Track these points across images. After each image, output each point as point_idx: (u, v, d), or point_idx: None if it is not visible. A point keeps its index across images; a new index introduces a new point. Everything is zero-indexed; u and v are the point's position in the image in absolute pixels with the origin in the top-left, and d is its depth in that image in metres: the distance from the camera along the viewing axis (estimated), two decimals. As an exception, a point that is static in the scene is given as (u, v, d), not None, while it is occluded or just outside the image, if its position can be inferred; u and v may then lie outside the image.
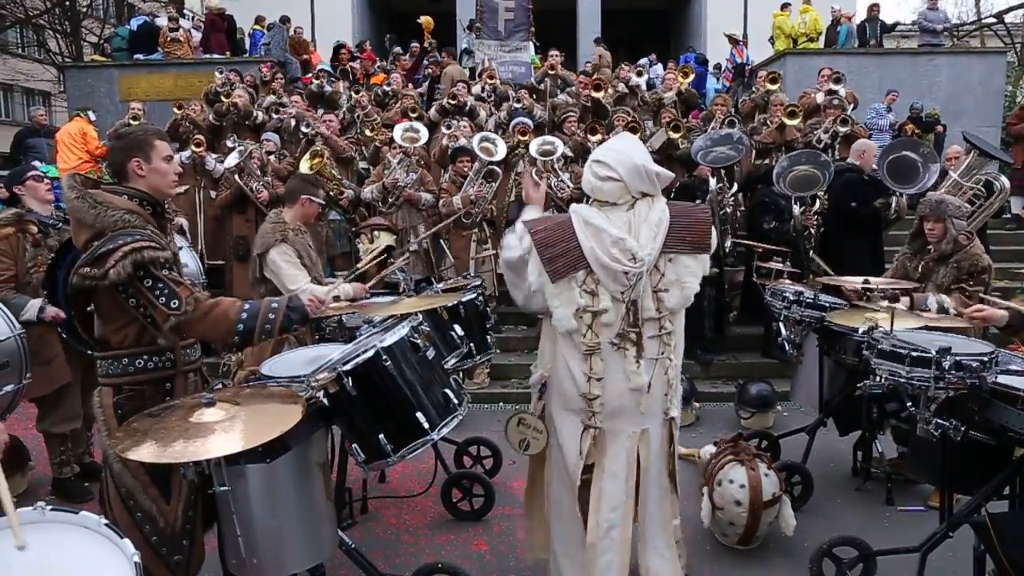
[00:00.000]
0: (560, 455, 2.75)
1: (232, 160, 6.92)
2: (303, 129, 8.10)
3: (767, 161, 7.72)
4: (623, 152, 2.66)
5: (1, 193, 8.22)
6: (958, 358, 2.75)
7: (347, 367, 2.45)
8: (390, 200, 6.92)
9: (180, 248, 2.68)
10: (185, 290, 2.32)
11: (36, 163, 7.21)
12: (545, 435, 2.79)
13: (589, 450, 2.67)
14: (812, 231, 6.34)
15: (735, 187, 6.80)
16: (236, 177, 6.86)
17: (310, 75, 11.12)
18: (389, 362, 2.49)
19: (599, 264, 2.56)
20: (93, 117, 9.88)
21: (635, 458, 2.69)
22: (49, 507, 1.55)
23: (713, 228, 2.71)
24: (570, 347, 2.64)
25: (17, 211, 4.06)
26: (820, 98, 8.55)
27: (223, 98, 8.77)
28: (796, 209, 6.24)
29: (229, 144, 7.89)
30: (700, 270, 2.64)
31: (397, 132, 7.18)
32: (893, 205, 5.98)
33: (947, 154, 6.55)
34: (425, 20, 11.96)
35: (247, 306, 2.40)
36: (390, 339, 2.55)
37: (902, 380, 2.87)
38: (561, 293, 2.60)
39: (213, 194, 7.58)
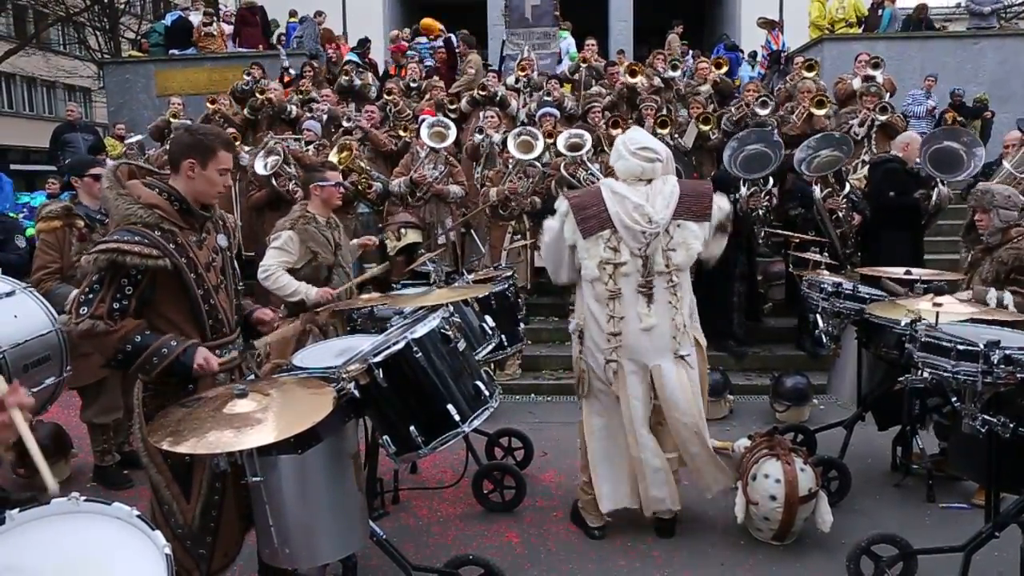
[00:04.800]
0: (593, 387, 3.47)
1: (261, 169, 6.94)
2: (344, 123, 8.13)
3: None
4: (658, 142, 3.45)
5: (52, 188, 8.47)
6: (1008, 352, 2.64)
7: (378, 359, 2.45)
8: (418, 194, 6.91)
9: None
10: (100, 309, 2.30)
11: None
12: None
13: (613, 380, 3.36)
14: (840, 215, 6.15)
15: (771, 183, 6.61)
16: (273, 181, 6.91)
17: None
18: (420, 354, 2.49)
19: (622, 225, 3.25)
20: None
21: (651, 388, 3.36)
22: (83, 498, 1.57)
23: (715, 199, 3.36)
24: (595, 295, 3.34)
25: (66, 204, 4.14)
26: (856, 84, 8.30)
27: (257, 93, 8.86)
28: (817, 192, 6.08)
29: (266, 141, 7.98)
30: (703, 235, 3.31)
31: (424, 128, 7.15)
32: (934, 197, 5.79)
33: (1004, 141, 6.27)
34: (424, 23, 11.95)
35: (138, 339, 2.33)
36: (421, 331, 2.54)
37: (947, 374, 2.77)
38: (590, 247, 3.30)
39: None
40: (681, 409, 3.34)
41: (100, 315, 2.30)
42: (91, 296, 2.31)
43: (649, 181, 3.31)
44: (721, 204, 3.41)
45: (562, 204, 3.39)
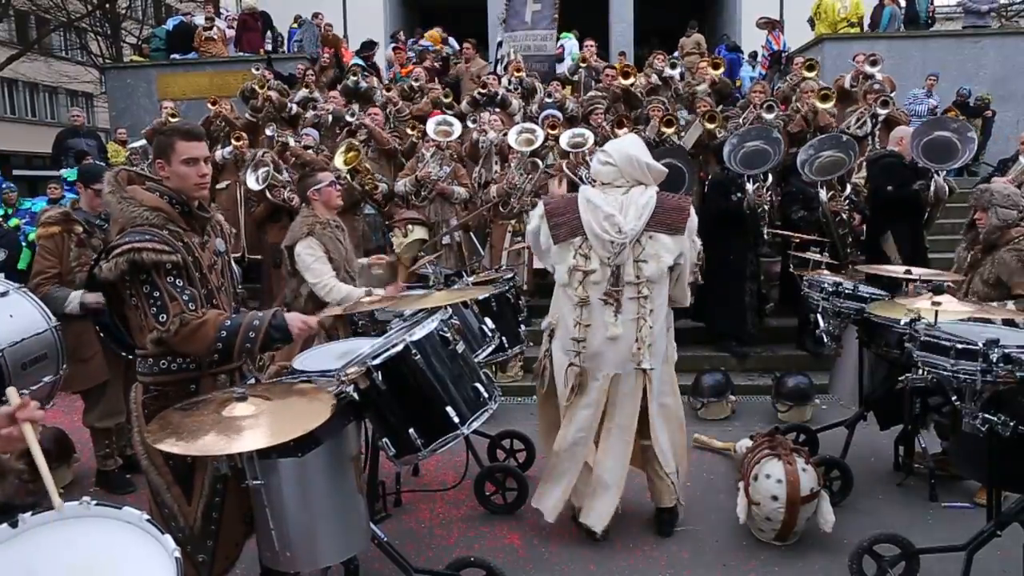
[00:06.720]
0: (556, 384, 3.49)
1: (254, 184, 6.95)
2: (348, 118, 8.15)
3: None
4: (621, 144, 3.46)
5: (53, 193, 8.50)
6: (1007, 350, 2.64)
7: (376, 361, 2.45)
8: (423, 193, 6.93)
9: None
10: (176, 306, 2.31)
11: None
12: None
13: (574, 383, 3.38)
14: (843, 216, 6.14)
15: (770, 179, 6.61)
16: (268, 194, 6.91)
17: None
18: (418, 356, 2.49)
19: (592, 233, 3.28)
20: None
21: (605, 396, 3.37)
22: (93, 502, 1.57)
23: (692, 214, 3.34)
24: (566, 299, 3.39)
25: (64, 210, 4.16)
26: (847, 81, 8.28)
27: (258, 89, 8.89)
28: (823, 195, 6.06)
29: (268, 133, 8.00)
30: (676, 248, 3.28)
31: (430, 125, 7.18)
32: (932, 187, 5.79)
33: (1021, 138, 6.25)
34: (431, 34, 12.05)
35: (228, 323, 2.36)
36: (419, 333, 2.55)
37: (947, 373, 2.77)
38: (561, 252, 3.36)
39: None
40: (617, 421, 3.38)
41: (179, 312, 2.31)
42: (159, 302, 2.31)
43: (629, 190, 3.31)
44: (695, 237, 3.48)
45: (539, 207, 3.52)
